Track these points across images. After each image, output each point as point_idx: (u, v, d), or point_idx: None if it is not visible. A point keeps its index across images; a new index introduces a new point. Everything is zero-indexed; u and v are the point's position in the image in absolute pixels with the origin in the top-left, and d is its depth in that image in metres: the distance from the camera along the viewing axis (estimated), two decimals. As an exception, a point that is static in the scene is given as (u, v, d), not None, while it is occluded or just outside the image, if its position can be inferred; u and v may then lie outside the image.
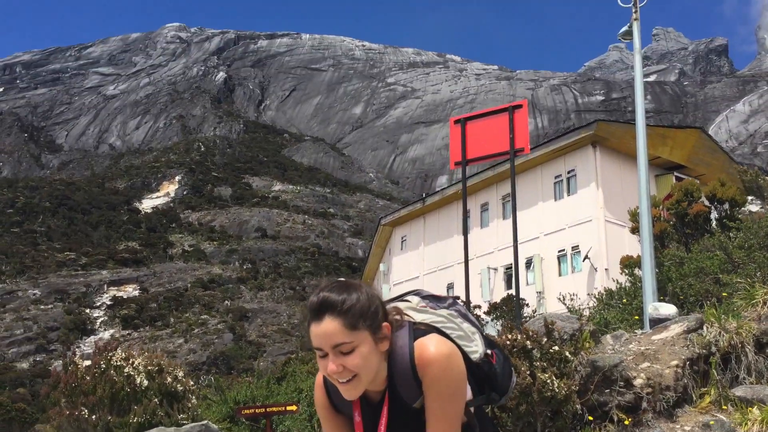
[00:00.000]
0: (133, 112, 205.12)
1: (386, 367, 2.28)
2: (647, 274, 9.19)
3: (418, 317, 2.40)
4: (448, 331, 2.37)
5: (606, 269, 25.61)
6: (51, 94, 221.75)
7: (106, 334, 76.75)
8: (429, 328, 2.34)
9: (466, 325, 2.44)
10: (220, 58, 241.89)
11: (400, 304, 2.43)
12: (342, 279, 2.39)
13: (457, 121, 9.22)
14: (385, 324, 2.28)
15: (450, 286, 32.90)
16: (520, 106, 8.88)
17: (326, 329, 2.18)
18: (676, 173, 29.31)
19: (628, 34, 10.39)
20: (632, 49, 11.62)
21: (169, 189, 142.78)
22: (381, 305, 2.31)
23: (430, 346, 2.23)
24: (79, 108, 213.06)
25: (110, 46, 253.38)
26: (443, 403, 2.22)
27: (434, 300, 2.52)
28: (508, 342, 6.20)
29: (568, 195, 29.59)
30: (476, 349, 2.40)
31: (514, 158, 8.92)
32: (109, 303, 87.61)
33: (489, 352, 2.46)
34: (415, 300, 2.50)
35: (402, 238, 38.45)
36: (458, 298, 2.60)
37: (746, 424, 6.02)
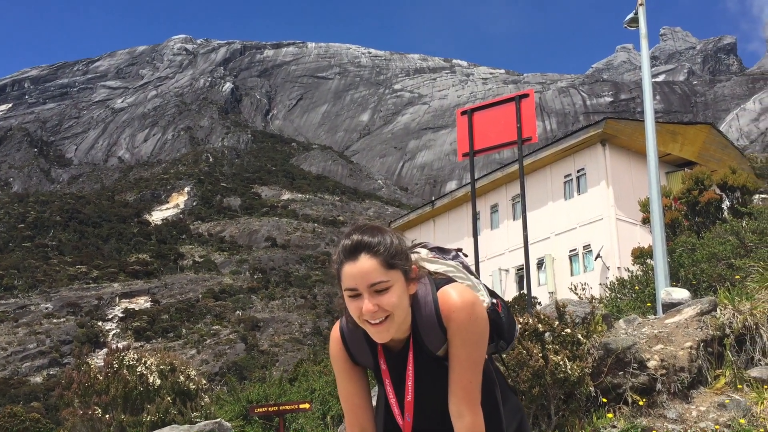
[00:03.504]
0: (142, 125, 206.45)
1: (410, 314, 2.29)
2: (659, 260, 9.11)
3: (432, 267, 2.43)
4: (458, 281, 2.40)
5: (618, 267, 25.45)
6: (59, 108, 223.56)
7: (119, 347, 76.92)
8: (447, 278, 2.38)
9: (472, 277, 2.49)
10: (227, 69, 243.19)
11: (412, 256, 2.44)
12: (369, 222, 2.42)
13: (463, 112, 9.21)
14: (413, 267, 2.31)
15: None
16: (526, 95, 8.86)
17: (363, 267, 2.17)
18: (686, 170, 29.14)
19: (634, 21, 10.32)
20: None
21: (179, 200, 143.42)
22: (408, 249, 2.35)
23: (454, 294, 2.25)
24: (87, 122, 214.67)
25: (117, 60, 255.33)
26: (469, 350, 2.24)
27: (440, 252, 2.56)
28: (519, 325, 6.16)
29: (579, 194, 29.46)
30: (483, 298, 2.44)
31: (522, 148, 8.89)
32: (121, 315, 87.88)
33: (494, 301, 2.49)
34: (423, 252, 2.52)
35: (412, 242, 38.34)
36: (461, 250, 2.61)
37: (762, 403, 5.95)
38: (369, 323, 2.20)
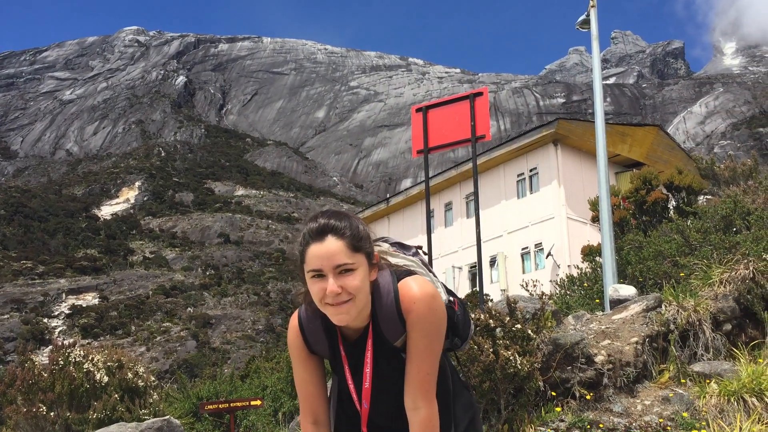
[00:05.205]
0: (91, 117, 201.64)
1: (370, 301, 2.32)
2: (607, 257, 9.31)
3: (393, 260, 2.47)
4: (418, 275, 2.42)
5: (568, 265, 25.87)
6: (5, 99, 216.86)
7: (64, 343, 75.06)
8: (408, 270, 2.42)
9: (430, 274, 2.54)
10: (180, 62, 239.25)
11: (375, 248, 2.46)
12: (335, 208, 2.46)
13: (418, 109, 9.24)
14: (376, 253, 2.35)
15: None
16: (480, 94, 8.93)
17: (330, 249, 2.21)
18: (635, 170, 29.76)
19: (586, 22, 10.52)
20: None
21: (129, 195, 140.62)
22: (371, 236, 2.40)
23: (415, 286, 2.29)
24: (34, 113, 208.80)
25: (66, 50, 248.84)
26: (427, 341, 2.27)
27: (401, 247, 2.59)
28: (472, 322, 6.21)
29: (531, 193, 29.87)
30: (440, 294, 2.45)
31: (476, 146, 8.96)
32: (67, 312, 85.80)
33: (451, 299, 2.52)
34: (385, 246, 2.56)
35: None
36: (420, 247, 2.65)
37: (704, 397, 6.12)
38: (330, 305, 2.23)
